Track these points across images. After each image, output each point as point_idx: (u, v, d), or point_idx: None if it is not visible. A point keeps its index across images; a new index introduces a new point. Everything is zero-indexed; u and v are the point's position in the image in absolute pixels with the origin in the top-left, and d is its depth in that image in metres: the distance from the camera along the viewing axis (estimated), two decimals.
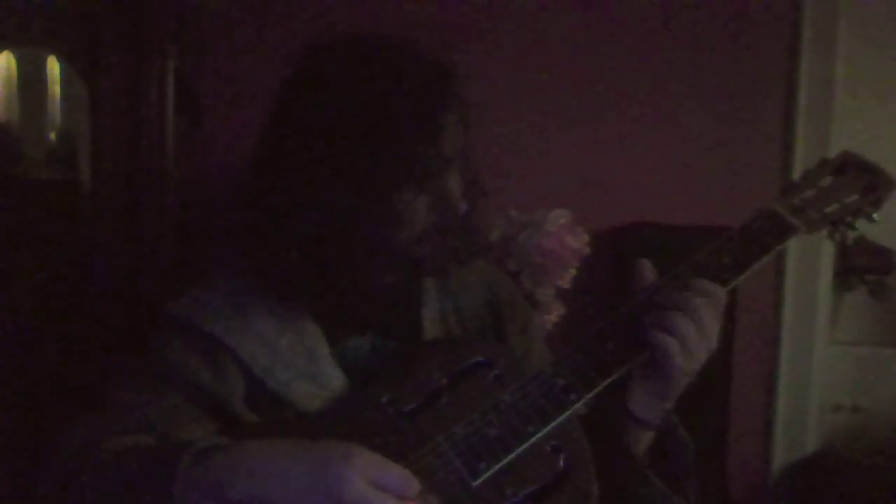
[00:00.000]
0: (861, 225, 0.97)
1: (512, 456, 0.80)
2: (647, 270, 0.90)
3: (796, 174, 1.70)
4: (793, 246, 1.67)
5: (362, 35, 0.92)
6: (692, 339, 0.81)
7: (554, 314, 1.48)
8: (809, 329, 1.76)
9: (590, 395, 0.83)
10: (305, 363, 0.89)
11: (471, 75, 0.95)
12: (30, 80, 1.35)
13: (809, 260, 1.74)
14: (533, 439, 0.80)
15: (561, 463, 0.82)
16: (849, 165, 0.98)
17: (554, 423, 0.81)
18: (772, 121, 1.72)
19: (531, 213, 1.46)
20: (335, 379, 0.89)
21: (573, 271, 1.47)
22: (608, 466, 0.86)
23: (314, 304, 0.93)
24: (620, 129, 1.67)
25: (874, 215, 0.96)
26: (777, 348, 1.75)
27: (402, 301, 0.99)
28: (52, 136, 1.38)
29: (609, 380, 0.83)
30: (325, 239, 0.87)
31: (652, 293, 0.87)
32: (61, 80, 1.36)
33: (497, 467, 0.79)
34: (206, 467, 0.70)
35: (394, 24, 1.56)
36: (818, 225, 0.94)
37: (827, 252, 1.75)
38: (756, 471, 1.78)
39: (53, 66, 1.35)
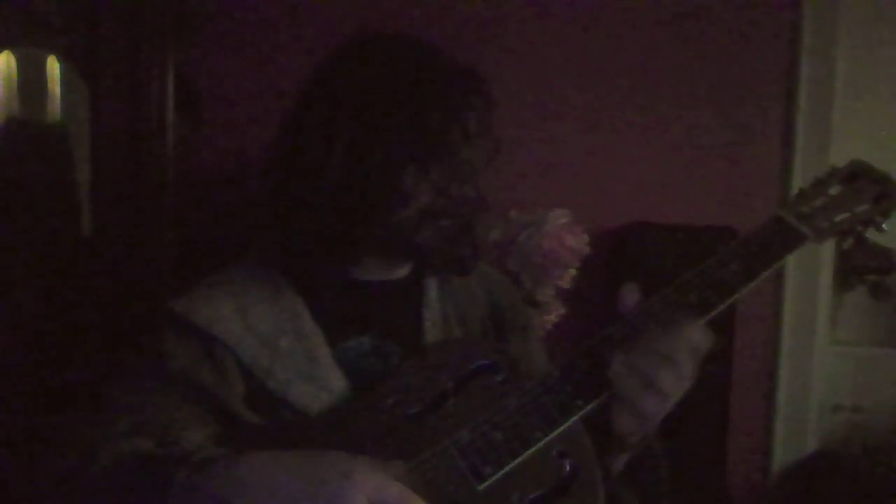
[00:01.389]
0: (870, 234, 0.97)
1: (518, 461, 0.79)
2: (634, 293, 0.88)
3: (796, 174, 1.72)
4: None
5: (393, 33, 0.98)
6: (663, 388, 0.79)
7: (554, 314, 1.48)
8: (809, 329, 1.76)
9: (598, 401, 0.82)
10: (305, 364, 0.89)
11: None
12: (30, 80, 1.35)
13: (809, 260, 1.74)
14: (539, 444, 0.80)
15: (567, 468, 0.82)
16: (858, 174, 0.98)
17: (560, 429, 0.81)
18: (772, 121, 1.72)
19: (531, 213, 1.46)
20: (335, 380, 0.89)
21: (573, 271, 1.47)
22: None
23: (317, 296, 0.93)
24: (620, 130, 1.67)
25: (884, 225, 0.96)
26: (777, 348, 1.75)
27: (404, 301, 0.99)
28: (53, 135, 1.38)
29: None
30: (340, 209, 0.88)
31: (662, 303, 0.87)
32: (61, 80, 1.36)
33: (503, 472, 0.79)
34: (203, 479, 0.70)
35: (396, 25, 1.56)
36: (827, 234, 0.94)
37: (827, 252, 1.75)
38: (756, 471, 1.78)
39: (53, 66, 1.35)
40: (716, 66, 1.69)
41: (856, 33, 1.74)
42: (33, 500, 0.81)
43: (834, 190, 0.97)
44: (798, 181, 1.72)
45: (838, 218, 0.94)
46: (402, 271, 1.01)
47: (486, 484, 0.78)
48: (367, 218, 0.89)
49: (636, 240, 1.62)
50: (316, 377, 0.88)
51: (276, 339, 0.89)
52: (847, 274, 1.87)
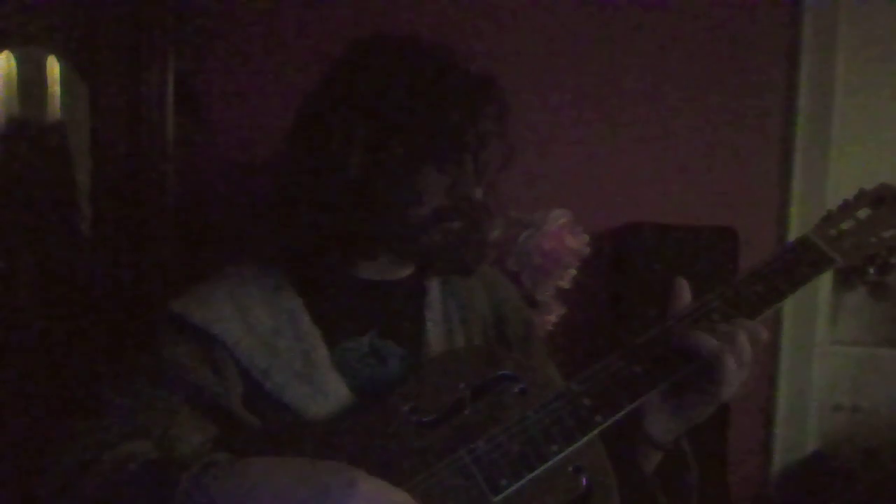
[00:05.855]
0: None
1: (533, 474, 0.79)
2: (685, 291, 0.89)
3: (796, 174, 1.72)
4: None
5: (411, 35, 0.97)
6: (733, 372, 0.82)
7: (554, 314, 1.48)
8: (809, 329, 1.76)
9: (615, 417, 0.82)
10: (302, 365, 0.89)
11: None
12: (30, 80, 1.35)
13: None
14: (555, 459, 0.80)
15: (583, 484, 0.81)
16: (886, 198, 0.96)
17: (578, 444, 0.81)
18: (772, 121, 1.72)
19: (531, 213, 1.46)
20: (331, 382, 0.89)
21: (573, 271, 1.47)
22: (618, 485, 0.85)
23: (317, 296, 0.93)
24: (620, 130, 1.67)
25: None
26: (777, 348, 1.75)
27: (405, 301, 0.99)
28: (52, 135, 1.38)
29: (636, 403, 0.83)
30: (354, 206, 0.89)
31: (683, 319, 0.86)
32: (61, 80, 1.36)
33: (518, 485, 0.78)
34: (207, 484, 0.70)
35: (396, 25, 1.56)
36: (854, 258, 0.92)
37: None
38: (756, 471, 1.78)
39: (53, 66, 1.35)
40: (715, 65, 1.69)
41: (856, 33, 1.73)
42: None
43: (862, 213, 0.95)
44: (798, 181, 1.72)
45: (865, 242, 0.93)
46: (405, 271, 1.01)
47: (500, 496, 0.77)
48: (380, 215, 0.90)
49: (636, 240, 1.62)
50: (313, 379, 0.88)
51: (275, 339, 0.89)
52: (847, 274, 1.87)
